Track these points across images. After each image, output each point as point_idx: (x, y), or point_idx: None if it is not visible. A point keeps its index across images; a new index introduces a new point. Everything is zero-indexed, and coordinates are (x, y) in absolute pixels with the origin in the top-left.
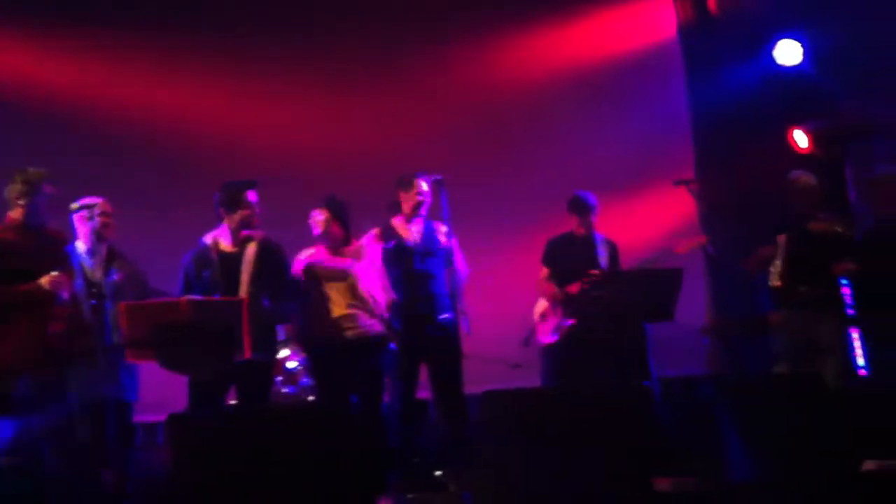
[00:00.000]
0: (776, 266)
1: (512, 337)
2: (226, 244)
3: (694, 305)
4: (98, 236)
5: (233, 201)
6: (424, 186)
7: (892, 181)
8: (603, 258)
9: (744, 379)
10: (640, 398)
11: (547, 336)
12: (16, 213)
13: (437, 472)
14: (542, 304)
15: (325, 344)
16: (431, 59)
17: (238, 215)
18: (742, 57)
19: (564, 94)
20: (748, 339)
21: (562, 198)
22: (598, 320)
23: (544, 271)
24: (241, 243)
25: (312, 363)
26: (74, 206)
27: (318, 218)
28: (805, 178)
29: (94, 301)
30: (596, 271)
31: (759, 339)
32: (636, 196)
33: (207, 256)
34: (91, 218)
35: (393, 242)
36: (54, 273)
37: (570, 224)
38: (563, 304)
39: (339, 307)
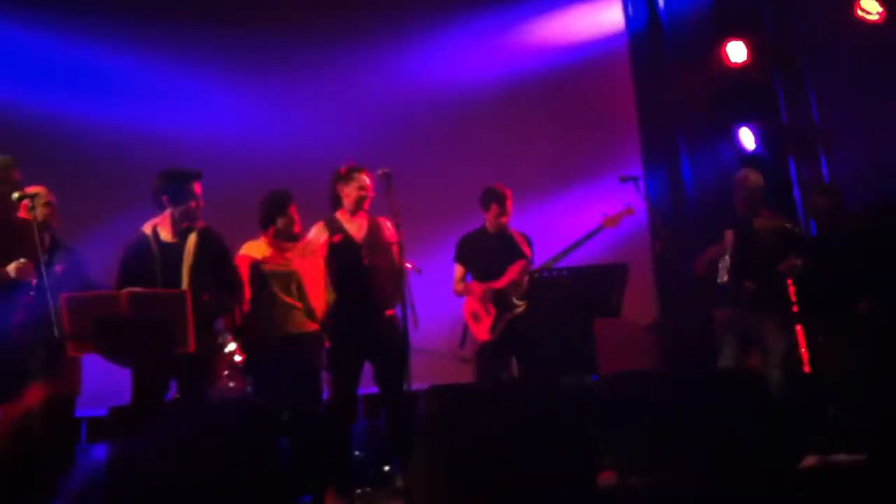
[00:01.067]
0: (724, 262)
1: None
2: (166, 234)
3: (642, 303)
4: (40, 226)
5: (178, 192)
6: (366, 180)
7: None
8: (523, 251)
9: (687, 375)
10: (587, 394)
11: (483, 335)
12: None
13: (385, 468)
14: (471, 304)
15: (263, 339)
16: (372, 56)
17: (183, 207)
18: (688, 59)
19: (506, 91)
20: (695, 336)
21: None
22: (542, 316)
23: (458, 270)
24: (181, 234)
25: (249, 358)
26: (15, 195)
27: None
28: (751, 176)
29: (31, 293)
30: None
31: (706, 335)
32: (580, 193)
33: (147, 247)
34: (33, 208)
35: (339, 236)
36: (22, 260)
37: (486, 218)
38: (494, 300)
39: (280, 303)
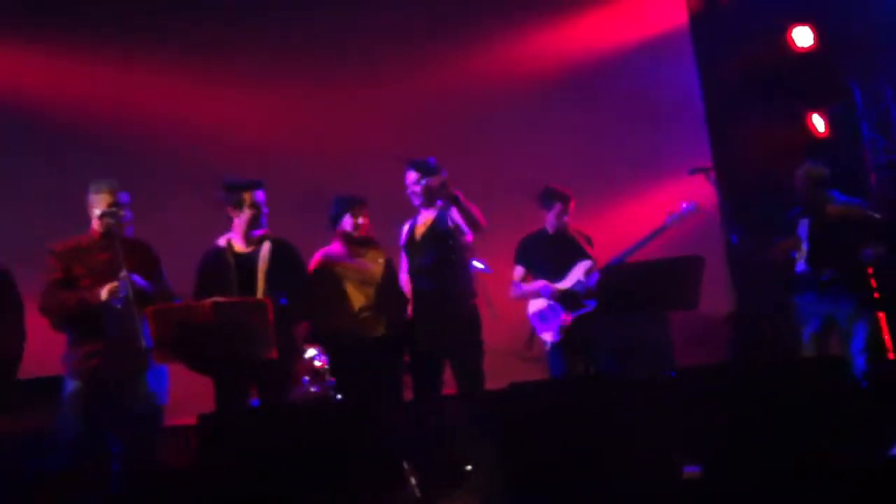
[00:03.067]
0: (801, 251)
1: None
2: (239, 245)
3: (716, 294)
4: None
5: (238, 202)
6: (413, 178)
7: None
8: (581, 251)
9: (768, 365)
10: (667, 388)
11: (551, 335)
12: (94, 223)
13: (467, 467)
14: (535, 304)
15: (345, 342)
16: (430, 52)
17: (246, 215)
18: (755, 42)
19: (566, 86)
20: (773, 325)
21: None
22: (616, 312)
23: (520, 271)
24: (254, 243)
25: (333, 361)
26: (96, 211)
27: (359, 220)
28: (813, 168)
29: (119, 306)
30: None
31: (784, 325)
32: (649, 188)
33: (222, 258)
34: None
35: (407, 237)
36: (114, 283)
37: (547, 218)
38: (561, 300)
39: (359, 305)
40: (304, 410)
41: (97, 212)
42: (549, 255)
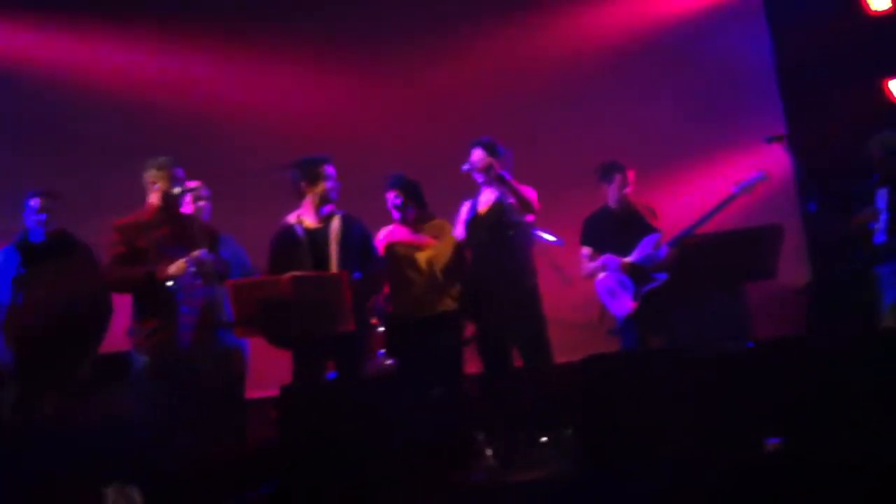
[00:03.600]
0: (879, 221)
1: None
2: (310, 221)
3: (792, 265)
4: (198, 217)
5: (314, 175)
6: (479, 155)
7: None
8: (647, 224)
9: (848, 337)
10: (745, 360)
11: (622, 310)
12: (153, 198)
13: (543, 439)
14: (604, 280)
15: (403, 320)
16: (483, 26)
17: (320, 188)
18: (829, 6)
19: (636, 55)
20: (852, 297)
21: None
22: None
23: (586, 251)
24: (324, 219)
25: (390, 339)
26: (177, 190)
27: (395, 201)
28: (892, 138)
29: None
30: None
31: (864, 297)
32: (719, 157)
33: (294, 234)
34: (195, 200)
35: (469, 214)
36: (182, 261)
37: (608, 193)
38: (630, 274)
39: (418, 283)
40: (378, 383)
41: (175, 189)
42: (615, 230)
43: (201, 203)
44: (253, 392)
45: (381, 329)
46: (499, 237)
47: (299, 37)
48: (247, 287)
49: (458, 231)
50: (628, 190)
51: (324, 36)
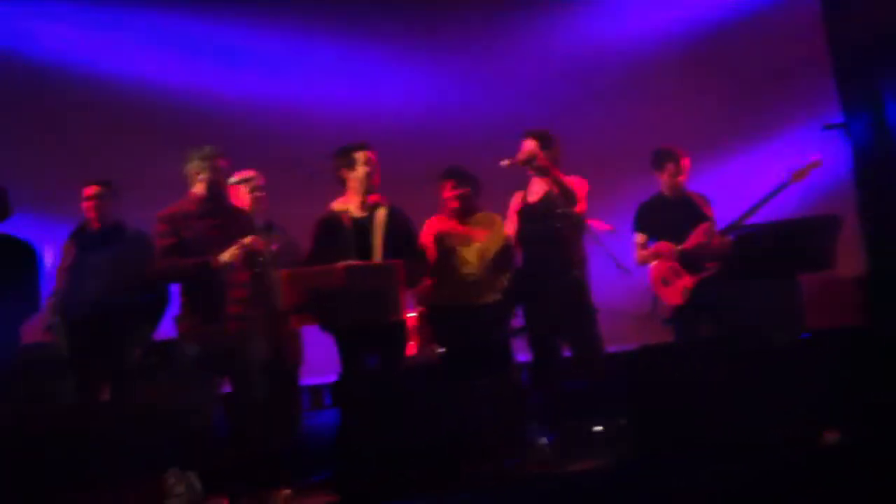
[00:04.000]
0: None
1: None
2: (355, 209)
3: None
4: (255, 208)
5: (351, 161)
6: (530, 146)
7: None
8: (700, 213)
9: None
10: (800, 351)
11: (674, 299)
12: (198, 189)
13: (597, 428)
14: (657, 268)
15: (452, 311)
16: (536, 16)
17: (359, 173)
18: None
19: (691, 44)
20: None
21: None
22: (745, 273)
23: (640, 238)
24: (369, 209)
25: (437, 328)
26: (233, 179)
27: (451, 192)
28: None
29: (257, 270)
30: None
31: None
32: (773, 145)
33: (338, 222)
34: (252, 190)
35: (519, 205)
36: (234, 248)
37: (661, 181)
38: (683, 262)
39: (468, 274)
40: (431, 372)
41: (234, 179)
42: (668, 218)
43: (258, 193)
44: (309, 378)
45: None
46: (547, 228)
47: (346, 23)
48: (301, 276)
49: (509, 222)
50: (682, 178)
51: (372, 22)
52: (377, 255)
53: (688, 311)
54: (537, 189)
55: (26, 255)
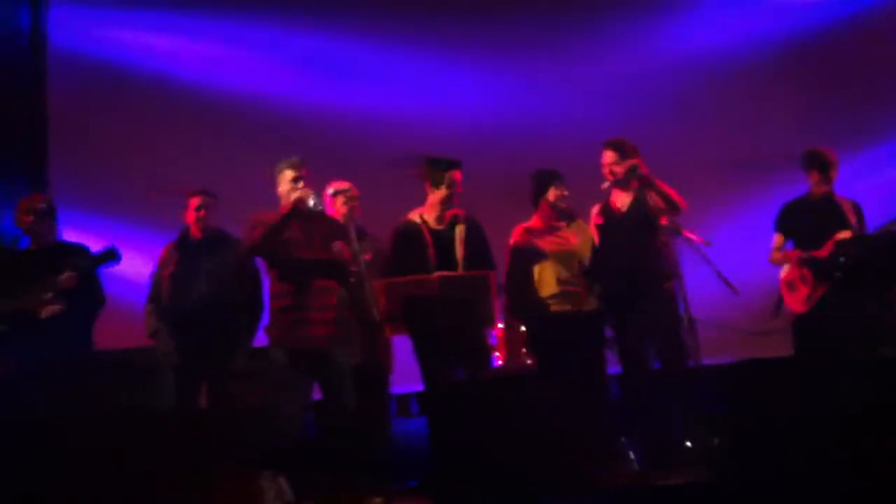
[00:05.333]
0: None
1: (742, 304)
2: (434, 221)
3: None
4: (349, 218)
5: (438, 179)
6: (610, 158)
7: None
8: (848, 220)
9: None
10: None
11: (798, 305)
12: (285, 199)
13: (687, 444)
14: (787, 272)
15: (541, 318)
16: (615, 27)
17: (442, 193)
18: None
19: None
20: None
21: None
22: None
23: (778, 238)
24: (448, 222)
25: (532, 336)
26: (330, 190)
27: (563, 192)
28: None
29: (352, 279)
30: (846, 233)
31: None
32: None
33: (418, 233)
34: (347, 201)
35: (601, 216)
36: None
37: (811, 181)
38: (814, 270)
39: (554, 282)
40: (522, 382)
41: (330, 190)
42: (809, 222)
43: (352, 204)
44: (395, 387)
45: (522, 328)
46: (638, 238)
47: (442, 31)
48: (396, 285)
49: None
50: (825, 187)
51: (465, 31)
52: (458, 266)
53: (808, 320)
54: (623, 199)
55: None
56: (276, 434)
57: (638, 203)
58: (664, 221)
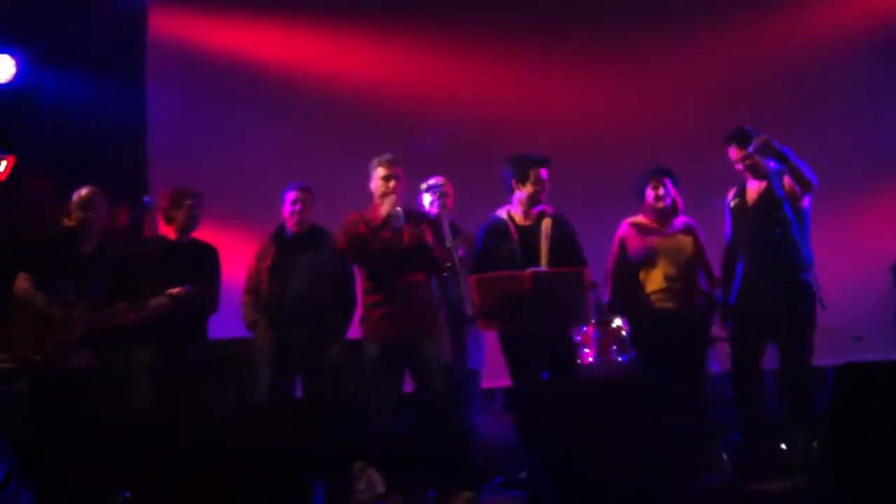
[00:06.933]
0: None
1: (847, 307)
2: (520, 217)
3: None
4: (442, 213)
5: (524, 176)
6: (734, 152)
7: None
8: None
9: None
10: None
11: None
12: (378, 198)
13: (782, 445)
14: None
15: (646, 315)
16: (718, 23)
17: (529, 190)
18: None
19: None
20: None
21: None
22: None
23: None
24: (535, 218)
25: (635, 333)
26: (423, 186)
27: (659, 192)
28: None
29: (445, 274)
30: None
31: None
32: None
33: (505, 230)
34: (441, 196)
35: (733, 205)
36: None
37: None
38: None
39: (660, 278)
40: (615, 381)
41: (423, 186)
42: None
43: (446, 199)
44: (487, 381)
45: (614, 325)
46: (769, 229)
47: (523, 31)
48: (489, 281)
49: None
50: None
51: (553, 30)
52: (543, 263)
53: None
54: (754, 188)
55: (211, 259)
56: (367, 427)
57: (766, 193)
58: (805, 203)
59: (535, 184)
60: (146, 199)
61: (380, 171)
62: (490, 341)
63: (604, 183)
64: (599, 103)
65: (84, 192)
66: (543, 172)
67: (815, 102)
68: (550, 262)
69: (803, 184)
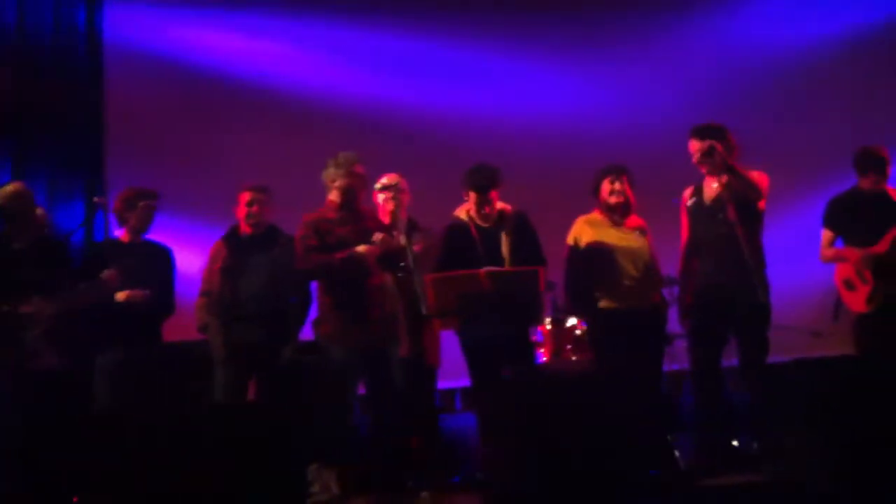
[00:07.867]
0: None
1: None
2: (480, 218)
3: None
4: (397, 211)
5: (482, 188)
6: (695, 145)
7: None
8: None
9: None
10: None
11: (859, 305)
12: (333, 196)
13: (734, 442)
14: (844, 271)
15: (609, 313)
16: (705, 16)
17: (482, 199)
18: None
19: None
20: None
21: None
22: None
23: (827, 235)
24: (495, 219)
25: (593, 331)
26: (378, 185)
27: (616, 188)
28: None
29: (400, 275)
30: None
31: None
32: None
33: (466, 230)
34: (395, 194)
35: (690, 203)
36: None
37: (865, 182)
38: (872, 267)
39: (626, 277)
40: (574, 379)
41: (378, 185)
42: (861, 216)
43: (402, 196)
44: (444, 382)
45: (568, 325)
46: (721, 229)
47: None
48: (444, 280)
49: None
50: (882, 185)
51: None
52: (506, 262)
53: (872, 320)
54: (711, 188)
55: (164, 260)
56: (323, 428)
57: (723, 192)
58: (762, 206)
59: (475, 203)
60: (95, 198)
61: (333, 171)
62: (447, 341)
63: (571, 182)
64: (566, 102)
65: (10, 188)
66: (493, 194)
67: (794, 98)
68: (511, 262)
69: (752, 191)
